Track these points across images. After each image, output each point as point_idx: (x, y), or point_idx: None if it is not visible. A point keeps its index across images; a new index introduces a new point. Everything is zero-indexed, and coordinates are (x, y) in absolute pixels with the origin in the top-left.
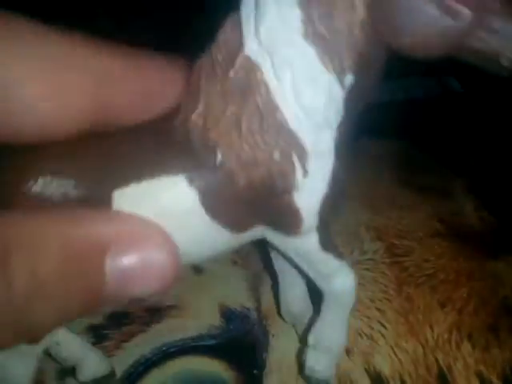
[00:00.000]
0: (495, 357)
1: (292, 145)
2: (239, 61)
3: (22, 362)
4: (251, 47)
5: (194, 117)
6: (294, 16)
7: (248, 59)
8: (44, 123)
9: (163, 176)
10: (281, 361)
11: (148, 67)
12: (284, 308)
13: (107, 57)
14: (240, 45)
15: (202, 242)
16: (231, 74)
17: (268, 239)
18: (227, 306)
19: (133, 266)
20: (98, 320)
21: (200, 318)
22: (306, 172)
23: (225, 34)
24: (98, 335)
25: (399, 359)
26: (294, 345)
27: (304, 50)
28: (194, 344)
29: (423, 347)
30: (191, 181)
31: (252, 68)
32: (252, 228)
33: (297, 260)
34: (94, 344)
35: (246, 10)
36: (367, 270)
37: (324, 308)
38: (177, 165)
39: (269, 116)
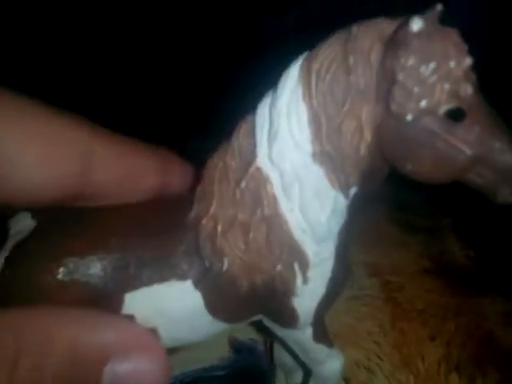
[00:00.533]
0: None
1: (295, 255)
2: (251, 171)
3: None
4: (263, 160)
5: (204, 221)
6: (304, 137)
7: (260, 171)
8: (33, 189)
9: (172, 280)
10: None
11: (132, 153)
12: (278, 360)
13: (97, 137)
14: (253, 155)
15: (201, 332)
16: (243, 184)
17: (265, 324)
18: (236, 337)
19: (128, 374)
20: None
21: (211, 350)
22: (306, 279)
23: (238, 140)
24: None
25: None
26: (299, 376)
27: (312, 169)
28: (206, 374)
29: (415, 377)
30: (197, 283)
31: (263, 180)
32: (251, 318)
33: (291, 344)
34: None
35: (260, 119)
36: (364, 305)
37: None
38: (185, 269)
39: (275, 228)
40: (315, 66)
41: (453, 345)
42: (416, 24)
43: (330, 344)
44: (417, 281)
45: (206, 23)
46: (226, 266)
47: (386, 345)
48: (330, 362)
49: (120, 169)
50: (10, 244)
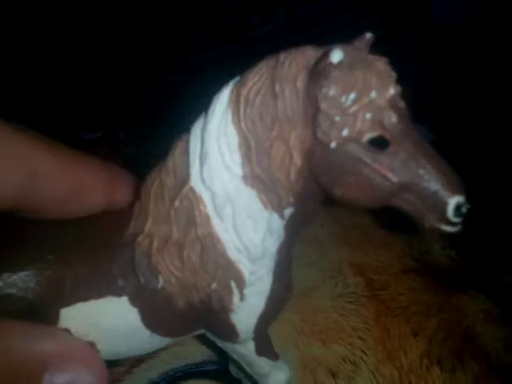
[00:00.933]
0: (460, 379)
1: (231, 273)
2: (185, 191)
3: None
4: (195, 180)
5: (140, 238)
6: (234, 160)
7: (193, 191)
8: None
9: (108, 296)
10: None
11: (80, 167)
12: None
13: (42, 151)
14: (187, 175)
15: (143, 347)
16: (177, 203)
17: (209, 337)
18: None
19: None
20: None
21: (201, 346)
22: (243, 296)
23: (174, 159)
24: (109, 362)
25: (379, 382)
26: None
27: (243, 191)
28: (197, 369)
29: (399, 371)
30: (133, 301)
31: (196, 200)
32: (192, 332)
33: (235, 357)
34: None
35: (194, 138)
36: (350, 302)
37: None
38: (121, 286)
39: (209, 247)
40: (244, 91)
41: (434, 340)
42: (335, 56)
43: (273, 356)
44: (400, 279)
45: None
46: (161, 284)
47: (371, 340)
48: (274, 374)
49: (66, 184)
50: None
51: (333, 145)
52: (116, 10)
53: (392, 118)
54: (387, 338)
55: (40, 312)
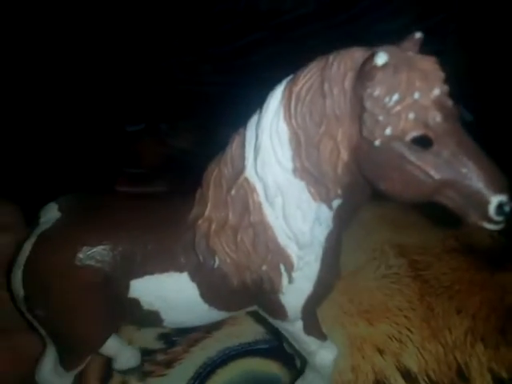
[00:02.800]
0: (504, 355)
1: (280, 257)
2: (240, 181)
3: (62, 378)
4: (250, 171)
5: (200, 221)
6: (285, 154)
7: (247, 181)
8: None
9: (171, 271)
10: None
11: None
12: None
13: None
14: (242, 166)
15: (203, 318)
16: (233, 191)
17: (261, 313)
18: None
19: None
20: (166, 329)
21: (254, 326)
22: (291, 279)
23: (231, 151)
24: (168, 342)
25: (424, 358)
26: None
27: (293, 183)
28: (251, 348)
29: (444, 348)
30: (193, 277)
31: (250, 189)
32: (245, 308)
33: (285, 334)
34: (165, 349)
35: (250, 132)
36: (394, 283)
37: (307, 370)
38: (182, 262)
39: (261, 233)
40: (295, 90)
41: (478, 317)
42: (380, 58)
43: (321, 337)
44: (443, 259)
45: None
46: (217, 263)
47: (416, 319)
48: (322, 354)
49: None
50: (37, 232)
51: (377, 142)
52: (151, 2)
53: (436, 118)
54: (431, 317)
55: (113, 283)
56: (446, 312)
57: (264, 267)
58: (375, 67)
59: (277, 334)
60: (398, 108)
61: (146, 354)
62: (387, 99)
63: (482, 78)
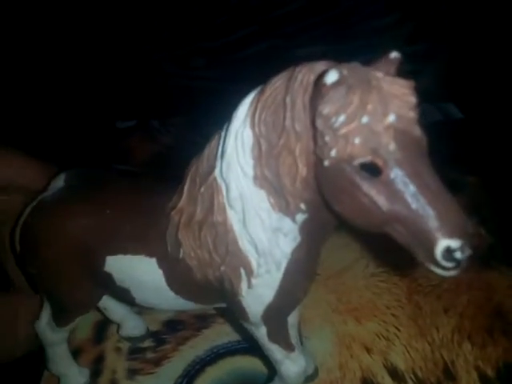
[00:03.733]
0: (490, 354)
1: (240, 261)
2: (210, 179)
3: (55, 332)
4: (219, 173)
5: (173, 212)
6: (247, 161)
7: (216, 181)
8: None
9: (142, 254)
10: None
11: None
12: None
13: None
14: (214, 166)
15: (172, 304)
16: (202, 189)
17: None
18: None
19: None
20: (156, 327)
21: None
22: (250, 285)
23: (209, 149)
24: (157, 340)
25: (411, 356)
26: (324, 346)
27: (253, 191)
28: (241, 346)
29: (431, 346)
30: (160, 264)
31: (217, 190)
32: (213, 304)
33: (254, 336)
34: (154, 347)
35: (222, 135)
36: (382, 281)
37: (276, 377)
38: (153, 248)
39: (222, 234)
40: (262, 98)
41: (465, 316)
42: (330, 77)
43: (287, 347)
44: None
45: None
46: (181, 255)
47: (404, 317)
48: (287, 364)
49: None
50: (39, 197)
51: (326, 163)
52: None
53: (389, 146)
54: (419, 315)
55: (93, 255)
56: (433, 311)
57: (223, 268)
58: (325, 85)
59: None
60: (344, 130)
61: (136, 351)
62: (333, 119)
63: (474, 74)
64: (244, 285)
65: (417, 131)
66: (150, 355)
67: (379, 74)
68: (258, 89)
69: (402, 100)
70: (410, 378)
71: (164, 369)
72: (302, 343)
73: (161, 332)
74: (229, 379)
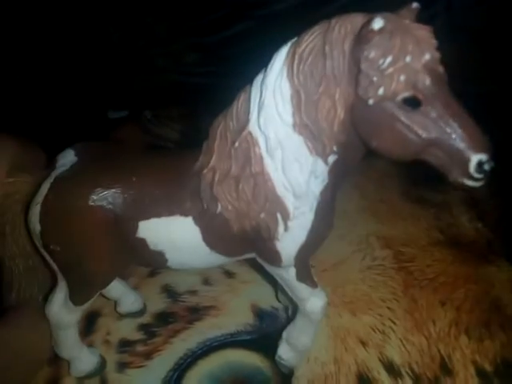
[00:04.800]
0: (487, 347)
1: (278, 207)
2: (244, 134)
3: (70, 313)
4: (254, 125)
5: (205, 171)
6: (286, 110)
7: (250, 135)
8: None
9: (177, 215)
10: (308, 353)
11: None
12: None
13: None
14: (246, 120)
15: (204, 261)
16: (237, 144)
17: (258, 261)
18: (258, 306)
19: None
20: (146, 320)
21: (236, 317)
22: (286, 227)
23: (237, 106)
24: (147, 332)
25: (407, 350)
26: (319, 339)
27: (292, 137)
28: (233, 339)
29: (427, 340)
30: (197, 221)
31: (253, 142)
32: (244, 254)
33: (279, 281)
34: (145, 340)
35: (254, 90)
36: (378, 274)
37: (298, 316)
38: (188, 207)
39: (261, 183)
40: (299, 50)
41: (462, 310)
42: (377, 23)
43: (312, 285)
44: (428, 251)
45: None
46: (219, 210)
47: (399, 310)
48: (313, 300)
49: None
50: (54, 174)
51: (371, 102)
52: None
53: (426, 81)
54: (415, 308)
55: (123, 223)
56: (429, 304)
57: (262, 215)
58: (372, 31)
59: (259, 326)
60: (391, 70)
61: (126, 344)
62: (381, 61)
63: (475, 72)
64: (281, 228)
65: (441, 68)
66: (140, 348)
67: (407, 21)
68: (292, 42)
69: (430, 42)
70: (406, 372)
71: (154, 362)
72: None
73: (152, 325)
74: (221, 373)
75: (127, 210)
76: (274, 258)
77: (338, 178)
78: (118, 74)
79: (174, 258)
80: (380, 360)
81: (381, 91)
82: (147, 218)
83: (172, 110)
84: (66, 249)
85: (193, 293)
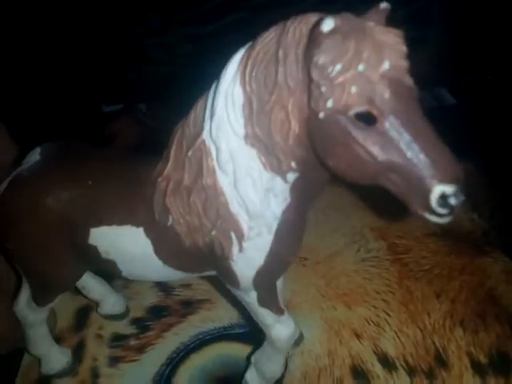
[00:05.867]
0: (483, 339)
1: (231, 225)
2: (198, 142)
3: (35, 312)
4: (207, 135)
5: (160, 179)
6: (238, 120)
7: (204, 144)
8: None
9: (128, 224)
10: (302, 346)
11: None
12: None
13: None
14: (201, 128)
15: (160, 275)
16: (190, 152)
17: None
18: None
19: None
20: (139, 313)
21: (229, 310)
22: (241, 248)
23: (196, 112)
24: (140, 327)
25: (402, 342)
26: (313, 332)
27: (244, 150)
28: (226, 332)
29: (422, 332)
30: (148, 233)
31: (206, 152)
32: (204, 271)
33: (243, 303)
34: (137, 334)
35: (210, 96)
36: (373, 266)
37: (265, 343)
38: (140, 217)
39: (212, 197)
40: (253, 54)
41: (457, 302)
42: (326, 25)
43: (278, 311)
44: (423, 243)
45: None
46: (170, 222)
47: (394, 302)
48: (278, 327)
49: None
50: (15, 172)
51: (321, 115)
52: None
53: (384, 94)
54: (410, 300)
55: (76, 228)
56: (424, 296)
57: (214, 232)
58: (321, 34)
59: (252, 319)
60: (341, 79)
61: (118, 339)
62: (330, 69)
63: (466, 61)
64: (235, 249)
65: (409, 80)
66: (132, 342)
67: (371, 24)
68: (248, 45)
69: (395, 49)
70: (401, 365)
71: (147, 356)
72: None
73: (144, 318)
74: (214, 366)
75: (80, 215)
76: (232, 279)
77: (305, 197)
78: (112, 66)
79: (126, 269)
80: (374, 352)
81: (329, 103)
82: (98, 225)
83: (167, 102)
84: (21, 249)
85: (186, 286)
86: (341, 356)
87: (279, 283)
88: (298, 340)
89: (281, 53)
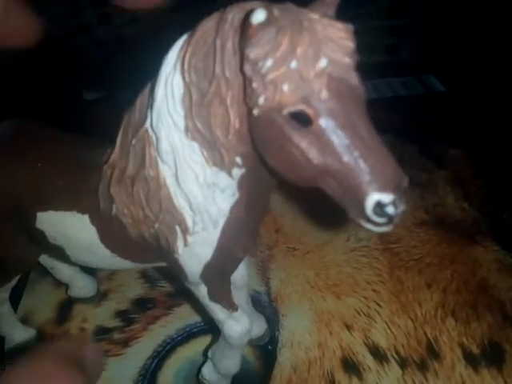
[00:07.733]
0: (474, 330)
1: (175, 218)
2: (141, 131)
3: None
4: (149, 123)
5: (105, 167)
6: (177, 109)
7: (147, 133)
8: None
9: (74, 211)
10: (291, 337)
11: None
12: None
13: None
14: (145, 116)
15: (111, 263)
16: (133, 141)
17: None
18: None
19: None
20: (124, 306)
21: None
22: (186, 243)
23: (142, 99)
24: (125, 319)
25: (393, 333)
26: (303, 323)
27: (185, 142)
28: (215, 324)
29: (413, 322)
30: (93, 221)
31: (149, 142)
32: (155, 262)
33: (196, 297)
34: (122, 327)
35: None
36: (363, 256)
37: (220, 338)
38: (85, 204)
39: (154, 189)
40: (192, 42)
41: (449, 291)
42: (256, 16)
43: (230, 307)
44: (413, 232)
45: None
46: (114, 212)
47: (385, 292)
48: (230, 324)
49: None
50: None
51: (255, 112)
52: None
53: (321, 94)
54: (401, 290)
55: (23, 211)
56: (415, 286)
57: (157, 225)
58: (251, 26)
59: None
60: (272, 76)
61: (102, 332)
62: (261, 64)
63: (454, 46)
64: (180, 243)
65: (353, 79)
66: (117, 336)
67: (314, 16)
68: (188, 35)
69: (338, 44)
70: (392, 356)
71: (132, 350)
72: (278, 320)
73: (129, 311)
74: (201, 359)
75: (27, 198)
76: (179, 272)
77: (257, 191)
78: (94, 53)
79: (75, 256)
80: (365, 344)
81: (261, 101)
82: (45, 209)
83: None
84: None
85: (172, 278)
86: (331, 348)
87: (241, 279)
88: (263, 337)
89: (218, 42)
